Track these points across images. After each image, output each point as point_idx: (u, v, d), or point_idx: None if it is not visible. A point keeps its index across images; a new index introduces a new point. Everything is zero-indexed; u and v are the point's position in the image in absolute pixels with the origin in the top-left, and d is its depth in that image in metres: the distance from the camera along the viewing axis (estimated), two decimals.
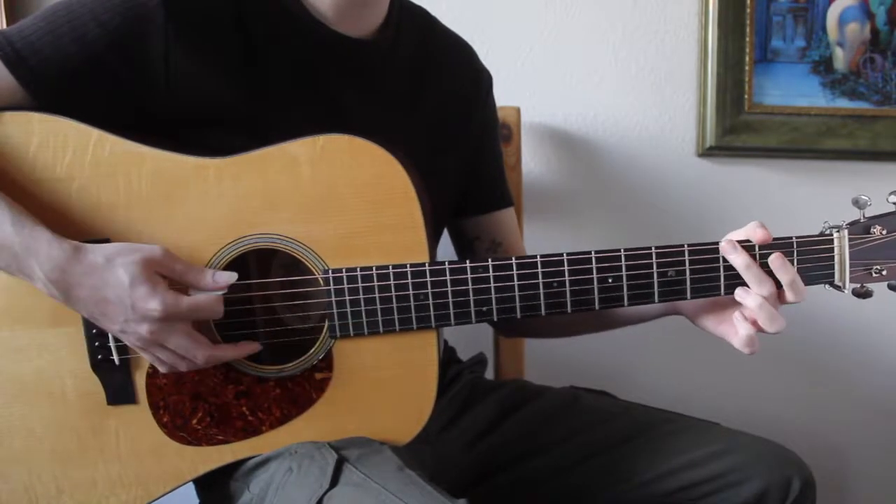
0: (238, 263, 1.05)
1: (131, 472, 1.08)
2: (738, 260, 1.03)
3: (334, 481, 1.00)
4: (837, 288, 1.06)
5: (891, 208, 1.04)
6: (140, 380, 1.06)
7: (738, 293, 1.04)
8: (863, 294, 1.06)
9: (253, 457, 1.09)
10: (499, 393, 1.34)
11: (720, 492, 1.18)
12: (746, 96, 1.74)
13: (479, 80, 1.33)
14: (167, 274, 0.99)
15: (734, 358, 1.83)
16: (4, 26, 1.56)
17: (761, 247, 1.03)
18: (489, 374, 1.51)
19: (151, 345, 0.99)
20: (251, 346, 1.05)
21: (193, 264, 1.02)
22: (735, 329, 1.06)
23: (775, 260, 1.03)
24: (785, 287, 1.03)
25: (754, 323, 1.04)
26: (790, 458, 1.20)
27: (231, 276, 1.02)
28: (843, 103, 1.78)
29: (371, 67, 1.16)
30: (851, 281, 1.05)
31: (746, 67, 1.73)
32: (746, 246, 1.03)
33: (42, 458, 1.07)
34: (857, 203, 1.04)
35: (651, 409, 1.30)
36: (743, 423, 1.29)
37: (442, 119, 1.24)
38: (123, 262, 0.96)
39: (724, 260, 1.04)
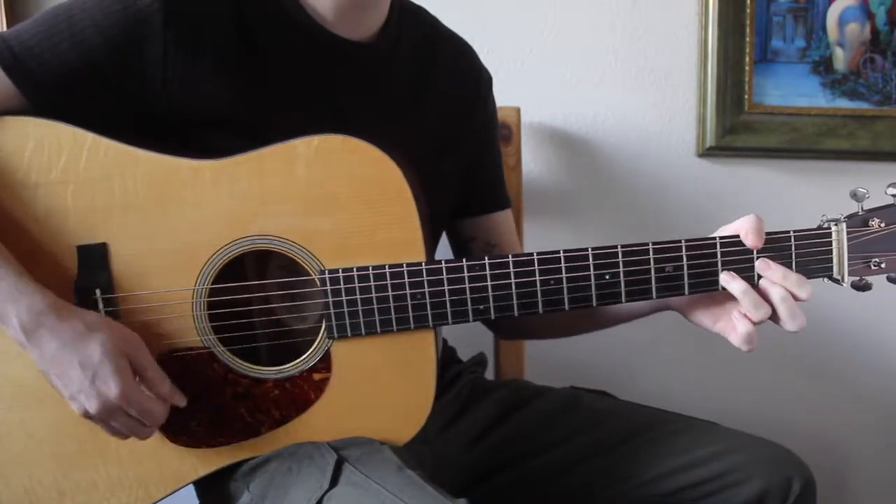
0: (235, 265, 1.05)
1: (131, 475, 1.08)
2: (737, 287, 1.03)
3: (334, 481, 1.00)
4: (836, 281, 1.06)
5: (889, 201, 1.04)
6: None
7: (724, 277, 1.04)
8: (862, 287, 1.06)
9: (252, 458, 1.09)
10: (499, 393, 1.34)
11: (720, 492, 1.17)
12: (746, 96, 1.74)
13: (480, 80, 1.33)
14: (134, 362, 0.99)
15: (734, 358, 1.83)
16: (4, 28, 1.56)
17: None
18: (489, 374, 1.51)
19: (95, 419, 0.99)
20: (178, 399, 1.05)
21: (158, 367, 1.02)
22: (733, 325, 1.06)
23: (760, 265, 1.03)
24: (792, 287, 1.03)
25: (746, 315, 1.04)
26: (790, 459, 1.20)
27: (182, 400, 1.04)
28: (843, 103, 1.78)
29: (371, 70, 1.16)
30: (850, 274, 1.05)
31: (746, 67, 1.73)
32: (743, 248, 1.04)
33: (42, 461, 1.07)
34: (855, 196, 1.04)
35: (651, 409, 1.30)
36: (743, 423, 1.29)
37: (442, 120, 1.24)
38: (101, 338, 0.97)
39: (722, 255, 1.04)
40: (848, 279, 1.05)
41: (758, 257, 1.03)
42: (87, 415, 0.99)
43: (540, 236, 1.72)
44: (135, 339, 1.00)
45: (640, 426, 1.25)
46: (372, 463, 1.02)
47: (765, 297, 1.03)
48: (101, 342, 0.96)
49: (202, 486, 1.15)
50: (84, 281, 1.04)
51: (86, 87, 1.03)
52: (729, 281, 1.03)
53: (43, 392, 1.05)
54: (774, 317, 1.04)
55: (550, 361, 1.65)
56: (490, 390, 1.36)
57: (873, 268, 1.05)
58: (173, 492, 1.10)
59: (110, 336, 0.97)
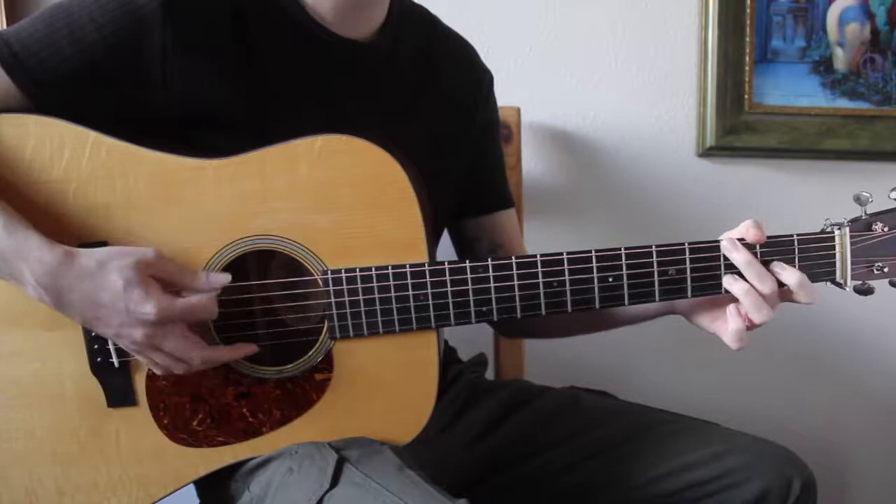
0: (237, 265, 1.05)
1: (132, 474, 1.08)
2: (739, 257, 1.02)
3: (334, 481, 1.00)
4: (839, 285, 1.06)
5: (892, 205, 1.04)
6: (140, 382, 1.06)
7: (726, 280, 1.04)
8: (864, 291, 1.06)
9: (253, 458, 1.09)
10: (499, 393, 1.34)
11: (721, 492, 1.17)
12: (746, 96, 1.74)
13: (481, 80, 1.33)
14: (160, 276, 0.99)
15: (734, 358, 1.82)
16: (3, 27, 1.56)
17: (763, 246, 1.03)
18: (489, 374, 1.51)
19: (147, 348, 0.99)
20: (248, 348, 1.04)
21: (186, 266, 1.02)
22: (726, 325, 1.06)
23: (775, 267, 1.03)
24: (794, 289, 1.03)
25: (745, 316, 1.04)
26: (790, 459, 1.20)
27: (225, 278, 1.02)
28: (844, 103, 1.78)
29: (371, 69, 1.16)
30: (853, 278, 1.05)
31: (746, 67, 1.74)
32: (747, 245, 1.03)
33: (43, 461, 1.07)
34: (858, 200, 1.04)
35: (651, 409, 1.30)
36: (743, 423, 1.29)
37: (443, 120, 1.24)
38: (117, 266, 0.96)
39: (725, 258, 1.04)
40: (850, 283, 1.06)
41: (760, 258, 1.03)
42: (137, 346, 0.99)
43: (540, 236, 1.72)
44: (150, 253, 0.99)
45: (640, 426, 1.25)
46: (372, 463, 1.02)
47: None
48: (118, 272, 0.95)
49: (202, 485, 1.15)
50: None
51: (85, 85, 1.03)
52: (731, 283, 1.03)
53: (43, 391, 1.05)
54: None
55: (551, 361, 1.65)
56: (490, 390, 1.36)
57: (876, 272, 1.05)
58: (174, 491, 1.09)
59: (125, 263, 0.96)
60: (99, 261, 0.96)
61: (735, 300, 1.05)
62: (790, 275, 1.02)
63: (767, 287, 1.02)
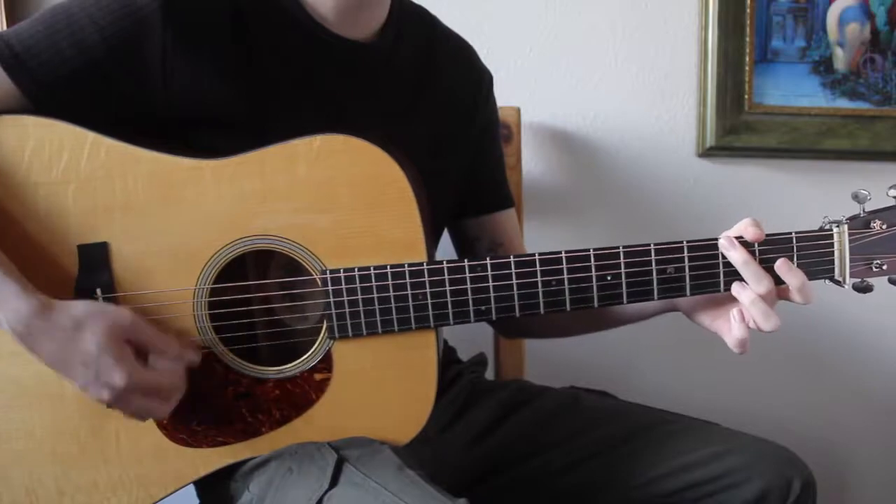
0: (236, 265, 1.05)
1: (132, 474, 1.08)
2: (737, 256, 1.02)
3: (334, 481, 1.00)
4: (838, 283, 1.06)
5: (891, 202, 1.04)
6: None
7: (735, 288, 1.04)
8: (863, 289, 1.06)
9: (253, 458, 1.09)
10: (499, 393, 1.34)
11: (720, 492, 1.17)
12: (746, 96, 1.74)
13: (481, 81, 1.33)
14: (134, 341, 0.99)
15: (734, 358, 1.82)
16: (3, 28, 1.56)
17: (762, 244, 1.03)
18: (489, 374, 1.51)
19: (112, 406, 0.99)
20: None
21: (160, 333, 1.01)
22: (729, 326, 1.06)
23: (781, 266, 1.02)
24: (794, 291, 1.03)
25: (752, 322, 1.04)
26: (790, 459, 1.20)
27: (195, 358, 1.03)
28: (843, 103, 1.78)
29: (371, 69, 1.16)
30: (852, 276, 1.05)
31: (746, 67, 1.74)
32: (745, 243, 1.03)
33: (43, 461, 1.07)
34: (856, 197, 1.04)
35: (651, 409, 1.30)
36: (743, 423, 1.29)
37: (443, 120, 1.24)
38: (92, 328, 0.96)
39: (724, 256, 1.04)
40: (849, 281, 1.05)
41: (759, 255, 1.03)
42: (102, 403, 0.98)
43: (540, 236, 1.72)
44: (127, 317, 0.99)
45: (640, 426, 1.25)
46: (372, 463, 1.02)
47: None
48: (93, 334, 0.96)
49: (202, 485, 1.15)
50: (85, 281, 1.04)
51: (85, 86, 1.03)
52: (740, 291, 1.03)
53: (43, 391, 1.05)
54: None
55: (550, 361, 1.65)
56: (490, 390, 1.36)
57: (875, 269, 1.05)
58: (174, 491, 1.09)
59: (102, 325, 0.96)
60: (75, 320, 0.96)
61: (735, 301, 1.05)
62: (794, 276, 1.02)
63: (763, 287, 1.02)
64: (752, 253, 1.03)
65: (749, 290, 1.02)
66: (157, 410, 1.01)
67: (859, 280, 1.06)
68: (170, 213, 1.03)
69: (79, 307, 0.98)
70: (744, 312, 1.04)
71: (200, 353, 1.04)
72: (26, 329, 0.96)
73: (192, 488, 1.15)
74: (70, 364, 0.96)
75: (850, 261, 1.04)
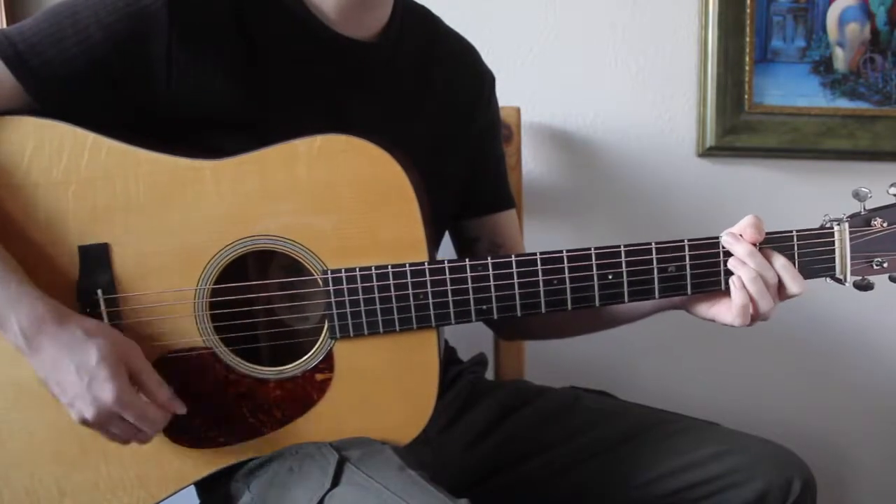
0: (237, 265, 1.05)
1: (133, 475, 1.08)
2: (741, 249, 1.03)
3: (335, 481, 1.00)
4: (839, 281, 1.07)
5: (891, 200, 1.05)
6: None
7: (732, 262, 1.05)
8: (864, 287, 1.07)
9: (254, 458, 1.09)
10: (499, 393, 1.34)
11: (721, 493, 1.17)
12: (746, 96, 1.74)
13: (482, 81, 1.33)
14: (131, 368, 0.99)
15: (735, 358, 1.84)
16: (5, 26, 1.55)
17: (762, 243, 1.04)
18: (489, 374, 1.51)
19: (93, 425, 0.99)
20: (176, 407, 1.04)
21: (156, 374, 1.02)
22: (727, 304, 1.06)
23: (766, 252, 1.04)
24: (780, 271, 1.04)
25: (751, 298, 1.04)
26: (790, 459, 1.20)
27: (182, 408, 1.03)
28: (843, 103, 1.78)
29: (374, 69, 1.16)
30: (852, 273, 1.06)
31: (746, 67, 1.73)
32: None
33: (43, 462, 1.07)
34: (857, 195, 1.04)
35: (651, 409, 1.30)
36: (743, 423, 1.29)
37: (444, 120, 1.24)
38: (98, 342, 0.97)
39: (724, 254, 1.05)
40: (850, 279, 1.06)
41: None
42: (84, 421, 0.99)
43: (540, 236, 1.71)
44: (133, 346, 1.01)
45: (640, 426, 1.25)
46: (373, 463, 1.02)
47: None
48: (98, 347, 0.96)
49: (203, 486, 1.15)
50: (86, 281, 1.04)
51: (89, 84, 1.03)
52: (738, 266, 1.04)
53: (44, 393, 1.04)
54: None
55: (550, 361, 1.65)
56: (490, 390, 1.36)
57: (875, 267, 1.06)
58: (175, 492, 1.09)
59: (108, 342, 0.97)
60: (86, 331, 0.98)
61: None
62: (777, 258, 1.03)
63: (770, 276, 1.03)
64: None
65: (748, 267, 1.03)
66: (139, 436, 1.01)
67: (860, 278, 1.06)
68: (171, 213, 1.03)
69: (92, 323, 1.00)
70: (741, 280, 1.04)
71: (185, 408, 1.04)
72: (36, 329, 0.97)
73: (192, 488, 1.15)
74: (64, 372, 0.97)
75: (851, 259, 1.05)
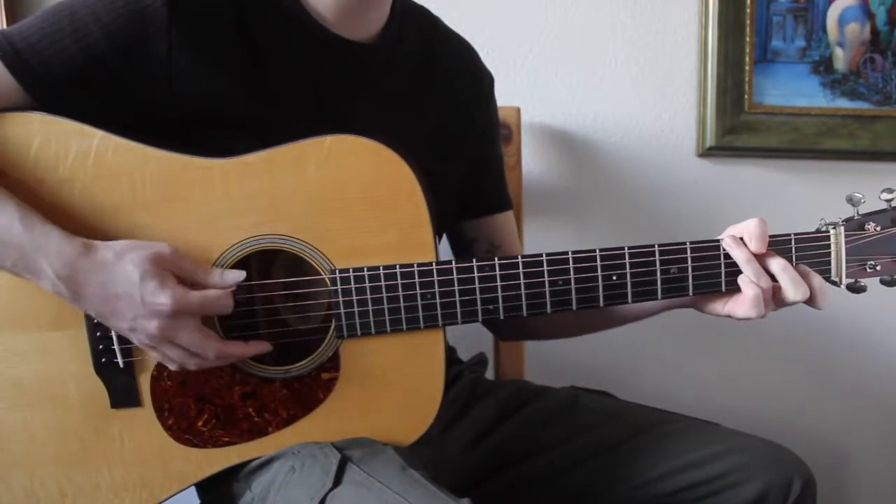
0: (242, 264, 1.05)
1: (135, 475, 1.07)
2: (740, 255, 1.04)
3: (337, 481, 1.00)
4: (834, 283, 1.08)
5: (884, 205, 1.07)
6: (144, 382, 1.06)
7: (726, 242, 1.06)
8: (857, 289, 1.09)
9: (257, 458, 1.09)
10: (499, 393, 1.34)
11: (721, 492, 1.18)
12: (746, 96, 1.75)
13: (482, 82, 1.33)
14: (175, 271, 0.99)
15: (734, 358, 1.84)
16: (4, 26, 1.55)
17: None
18: (489, 374, 1.51)
19: (161, 342, 0.99)
20: (261, 346, 1.04)
21: (201, 263, 1.02)
22: (740, 299, 1.07)
23: (802, 269, 1.06)
24: (817, 292, 1.05)
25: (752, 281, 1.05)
26: (791, 459, 1.21)
27: (239, 275, 1.02)
28: (843, 103, 1.78)
29: (373, 70, 1.16)
30: (847, 276, 1.08)
31: (746, 67, 1.74)
32: None
33: (44, 463, 1.06)
34: (851, 200, 1.06)
35: (651, 409, 1.30)
36: (743, 423, 1.30)
37: (444, 121, 1.24)
38: (133, 258, 0.96)
39: (725, 256, 1.06)
40: (845, 281, 1.08)
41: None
42: (152, 339, 0.98)
43: (540, 236, 1.72)
44: (164, 248, 0.99)
45: (640, 426, 1.25)
46: (375, 462, 1.02)
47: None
48: (134, 264, 0.96)
49: (204, 486, 1.15)
50: None
51: (88, 84, 1.03)
52: (733, 248, 1.05)
53: (45, 393, 1.05)
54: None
55: (550, 361, 1.65)
56: (490, 390, 1.36)
57: (868, 270, 1.08)
58: (178, 492, 1.09)
59: (141, 255, 0.97)
60: (116, 252, 0.97)
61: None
62: (814, 277, 1.06)
63: (764, 283, 1.04)
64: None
65: (743, 248, 1.04)
66: (205, 346, 1.00)
67: (853, 280, 1.09)
68: (177, 211, 1.03)
69: (119, 243, 0.99)
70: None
71: (243, 273, 1.02)
72: (72, 271, 0.96)
73: (192, 488, 1.14)
74: (114, 301, 0.97)
75: (846, 262, 1.07)
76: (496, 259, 1.05)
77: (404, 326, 1.05)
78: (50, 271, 0.96)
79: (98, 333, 1.03)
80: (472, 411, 1.32)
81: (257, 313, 1.11)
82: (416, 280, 1.04)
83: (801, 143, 1.77)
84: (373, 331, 1.05)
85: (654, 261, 1.06)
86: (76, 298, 0.98)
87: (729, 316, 1.10)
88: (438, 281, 1.04)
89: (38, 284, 0.98)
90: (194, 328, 0.99)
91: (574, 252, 1.06)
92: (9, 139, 1.01)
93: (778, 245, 1.06)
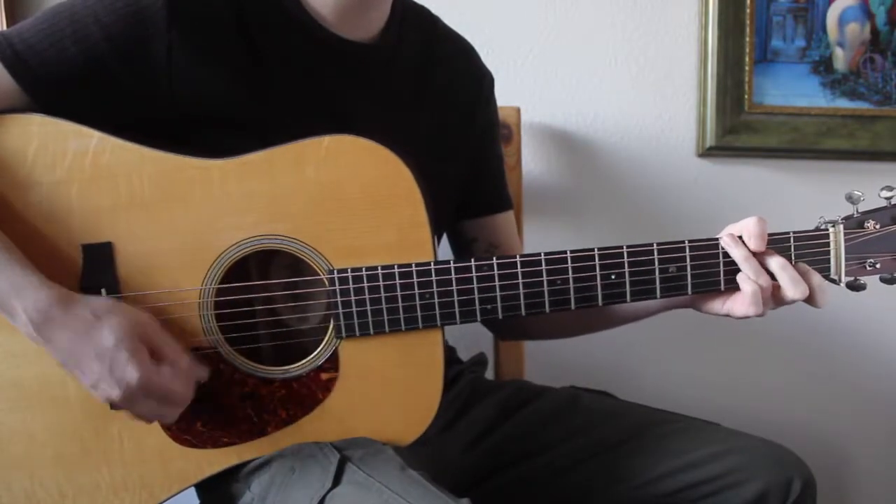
0: (241, 265, 1.05)
1: (135, 476, 1.07)
2: (738, 253, 1.04)
3: (336, 481, 1.00)
4: (833, 282, 1.08)
5: (883, 203, 1.06)
6: None
7: (725, 240, 1.06)
8: (856, 287, 1.09)
9: (256, 458, 1.09)
10: (499, 393, 1.34)
11: (721, 492, 1.17)
12: (746, 96, 1.74)
13: (482, 82, 1.33)
14: (150, 342, 0.98)
15: (734, 358, 1.84)
16: (4, 27, 1.55)
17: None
18: (489, 374, 1.51)
19: (120, 406, 0.98)
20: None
21: (175, 342, 1.01)
22: (739, 298, 1.07)
23: (803, 268, 1.06)
24: (816, 290, 1.05)
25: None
26: (791, 459, 1.20)
27: (204, 373, 1.03)
28: (843, 103, 1.78)
29: (373, 70, 1.16)
30: (846, 274, 1.08)
31: (746, 67, 1.74)
32: None
33: (44, 464, 1.06)
34: (850, 198, 1.06)
35: (651, 409, 1.30)
36: (743, 423, 1.29)
37: (444, 121, 1.24)
38: (111, 324, 0.96)
39: (724, 255, 1.06)
40: (844, 279, 1.08)
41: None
42: (111, 404, 0.98)
43: (540, 236, 1.72)
44: (145, 318, 0.99)
45: (640, 426, 1.25)
46: (375, 462, 1.02)
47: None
48: (112, 329, 0.95)
49: (203, 486, 1.14)
50: (89, 280, 1.03)
51: (88, 85, 1.03)
52: (731, 245, 1.05)
53: (45, 393, 1.04)
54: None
55: (550, 361, 1.65)
56: (490, 390, 1.35)
57: (868, 268, 1.08)
58: (178, 492, 1.09)
59: (120, 321, 0.96)
60: (95, 313, 0.96)
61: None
62: (813, 275, 1.06)
63: (763, 281, 1.04)
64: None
65: (742, 247, 1.04)
66: (164, 415, 1.00)
67: (852, 278, 1.09)
68: (176, 212, 1.03)
69: (99, 302, 0.98)
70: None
71: (208, 372, 1.03)
72: (45, 318, 0.95)
73: (192, 488, 1.14)
74: (83, 358, 0.96)
75: (846, 260, 1.07)
76: (494, 259, 1.05)
77: (403, 326, 1.05)
78: (23, 314, 0.95)
79: None
80: (472, 411, 1.32)
81: (256, 314, 1.11)
82: (415, 280, 1.04)
83: (801, 143, 1.77)
84: (371, 331, 1.05)
85: (653, 260, 1.06)
86: (44, 344, 0.97)
87: (728, 315, 1.10)
88: (437, 281, 1.04)
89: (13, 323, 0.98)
90: (154, 405, 0.98)
91: (572, 251, 1.05)
92: (6, 141, 1.01)
93: (777, 243, 1.06)
